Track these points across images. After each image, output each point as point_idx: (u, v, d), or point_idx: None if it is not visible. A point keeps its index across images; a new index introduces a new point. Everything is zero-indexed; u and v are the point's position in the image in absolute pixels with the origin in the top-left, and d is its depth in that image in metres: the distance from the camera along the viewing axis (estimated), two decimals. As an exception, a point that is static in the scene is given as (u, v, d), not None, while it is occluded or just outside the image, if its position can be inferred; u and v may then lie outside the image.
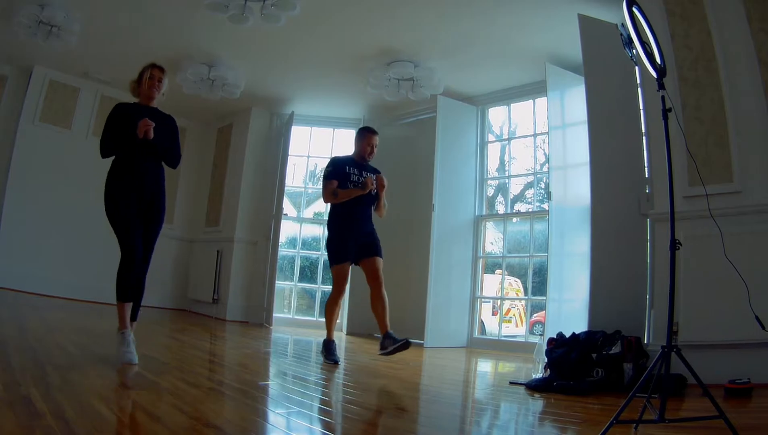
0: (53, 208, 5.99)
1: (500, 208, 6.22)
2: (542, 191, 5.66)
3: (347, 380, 3.05)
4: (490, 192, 6.08)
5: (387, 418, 2.19)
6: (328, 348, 3.62)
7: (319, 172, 7.36)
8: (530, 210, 6.39)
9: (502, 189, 6.15)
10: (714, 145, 3.09)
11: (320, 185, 3.88)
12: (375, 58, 5.10)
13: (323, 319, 6.42)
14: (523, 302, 6.16)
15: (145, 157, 2.85)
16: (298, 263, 6.73)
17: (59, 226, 6.01)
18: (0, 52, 5.67)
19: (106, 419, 1.68)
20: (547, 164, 5.19)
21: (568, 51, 4.44)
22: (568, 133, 4.49)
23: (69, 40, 4.72)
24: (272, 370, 3.37)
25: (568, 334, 3.31)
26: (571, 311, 4.09)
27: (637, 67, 3.56)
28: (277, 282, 6.25)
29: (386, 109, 6.24)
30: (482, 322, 5.88)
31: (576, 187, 4.21)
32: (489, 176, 5.88)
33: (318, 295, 6.65)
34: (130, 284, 2.76)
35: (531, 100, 5.51)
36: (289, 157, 6.60)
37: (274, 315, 6.08)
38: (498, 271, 5.99)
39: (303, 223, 6.93)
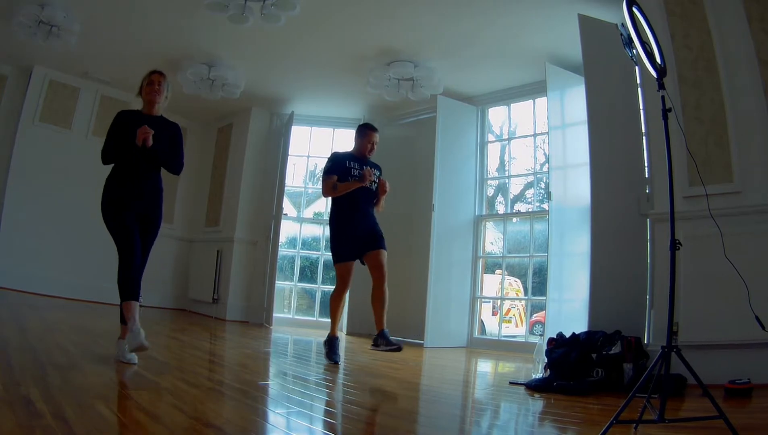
0: (53, 208, 5.99)
1: (500, 208, 6.22)
2: (542, 191, 5.66)
3: (347, 380, 3.05)
4: (490, 192, 6.08)
5: (387, 418, 2.19)
6: (331, 345, 3.60)
7: (319, 172, 7.37)
8: (530, 210, 6.39)
9: (502, 189, 6.15)
10: (714, 145, 3.09)
11: (320, 185, 3.87)
12: (375, 58, 5.10)
13: (323, 319, 6.51)
14: (523, 302, 6.16)
15: (144, 164, 2.85)
16: (298, 263, 6.74)
17: (59, 226, 6.01)
18: (0, 52, 5.67)
19: (106, 419, 1.68)
20: (547, 164, 5.19)
21: (568, 51, 4.44)
22: (568, 133, 4.49)
23: (69, 40, 4.72)
24: (272, 370, 3.36)
25: (568, 334, 3.31)
26: (571, 311, 4.10)
27: (637, 67, 3.56)
28: (277, 282, 6.25)
29: (386, 109, 6.24)
30: (482, 322, 5.89)
31: (576, 187, 4.21)
32: (489, 176, 5.88)
33: (318, 295, 6.65)
34: (135, 283, 2.75)
35: (531, 100, 5.51)
36: (289, 157, 6.60)
37: (274, 315, 6.08)
38: (498, 271, 5.99)
39: (303, 223, 6.93)
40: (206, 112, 7.05)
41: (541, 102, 5.24)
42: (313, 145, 7.00)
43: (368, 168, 3.70)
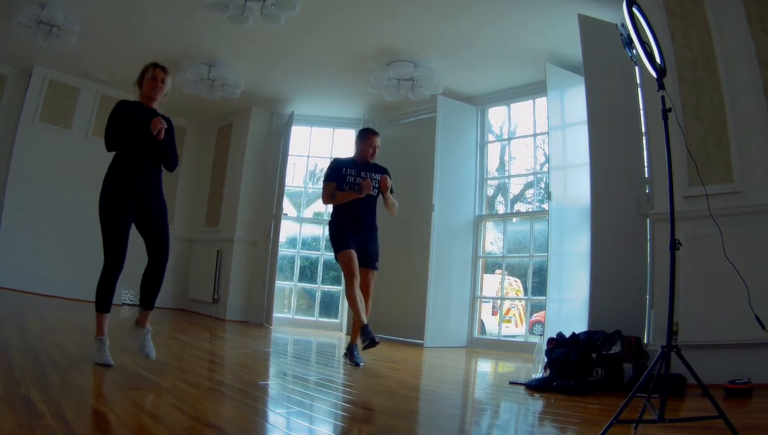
0: (53, 208, 5.99)
1: (500, 208, 6.22)
2: (542, 191, 5.66)
3: (347, 380, 3.05)
4: (490, 192, 6.08)
5: (387, 418, 2.19)
6: (364, 332, 3.44)
7: (319, 173, 7.37)
8: (530, 210, 6.39)
9: (502, 189, 6.15)
10: (714, 145, 3.09)
11: (320, 185, 3.89)
12: (375, 58, 5.10)
13: (323, 319, 6.52)
14: (523, 302, 6.16)
15: (147, 157, 2.83)
16: (298, 263, 6.73)
17: (59, 226, 6.01)
18: (0, 52, 5.67)
19: (106, 419, 1.68)
20: (547, 164, 5.19)
21: (568, 51, 4.44)
22: (568, 133, 4.49)
23: (69, 40, 4.72)
24: (272, 370, 3.37)
25: (568, 334, 3.31)
26: (571, 311, 4.09)
27: (637, 67, 3.56)
28: (277, 282, 6.25)
29: (386, 109, 6.24)
30: (482, 322, 5.89)
31: (576, 187, 4.21)
32: (489, 176, 5.88)
33: (318, 295, 6.65)
34: (108, 296, 2.76)
35: (531, 100, 5.51)
36: (289, 157, 6.60)
37: (274, 315, 6.08)
38: (498, 271, 5.99)
39: (303, 223, 6.93)
40: (206, 112, 7.05)
41: (541, 102, 5.24)
42: (313, 145, 7.00)
43: (367, 180, 3.68)
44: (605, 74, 3.85)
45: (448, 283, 5.32)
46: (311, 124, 6.92)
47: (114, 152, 2.84)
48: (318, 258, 6.73)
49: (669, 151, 2.09)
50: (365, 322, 3.50)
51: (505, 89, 5.54)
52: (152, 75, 2.90)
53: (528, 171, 6.20)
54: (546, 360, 3.23)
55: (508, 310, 7.01)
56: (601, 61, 3.83)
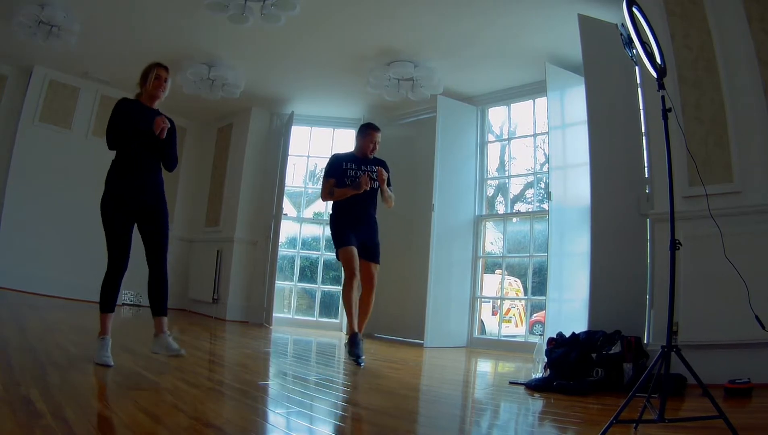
0: (53, 208, 5.99)
1: (500, 208, 6.22)
2: (542, 191, 5.66)
3: (347, 380, 3.05)
4: (490, 192, 6.08)
5: (387, 418, 2.19)
6: (353, 342, 3.46)
7: (319, 173, 7.37)
8: (530, 210, 6.39)
9: (502, 189, 6.15)
10: (714, 145, 3.09)
11: (320, 185, 3.88)
12: (375, 58, 5.10)
13: (323, 319, 6.51)
14: (523, 302, 6.16)
15: (147, 156, 2.83)
16: (298, 263, 6.73)
17: (59, 226, 6.01)
18: (0, 52, 5.67)
19: (106, 419, 1.68)
20: (547, 164, 5.19)
21: (568, 51, 4.44)
22: (568, 133, 4.49)
23: (69, 40, 4.72)
24: (272, 370, 3.37)
25: (568, 334, 3.31)
26: (571, 311, 4.09)
27: (637, 67, 3.56)
28: (277, 282, 6.25)
29: (386, 109, 6.24)
30: (482, 322, 5.89)
31: (576, 187, 4.21)
32: (489, 176, 5.88)
33: (318, 295, 6.64)
34: (113, 296, 2.75)
35: (531, 100, 5.51)
36: (289, 157, 6.60)
37: (274, 315, 6.08)
38: (498, 271, 5.99)
39: (303, 223, 6.93)
40: (206, 112, 7.05)
41: (541, 102, 5.24)
42: (313, 145, 7.00)
43: (365, 176, 3.67)
44: (605, 74, 3.85)
45: (448, 283, 5.32)
46: (311, 124, 6.92)
47: (115, 151, 2.84)
48: (318, 258, 6.73)
49: (669, 151, 2.09)
50: (356, 330, 3.52)
51: (505, 89, 5.54)
52: (156, 74, 2.90)
53: (528, 171, 6.20)
54: (546, 360, 3.23)
55: (508, 310, 7.01)
56: (601, 61, 3.83)
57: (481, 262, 5.60)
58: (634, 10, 2.21)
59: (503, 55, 4.90)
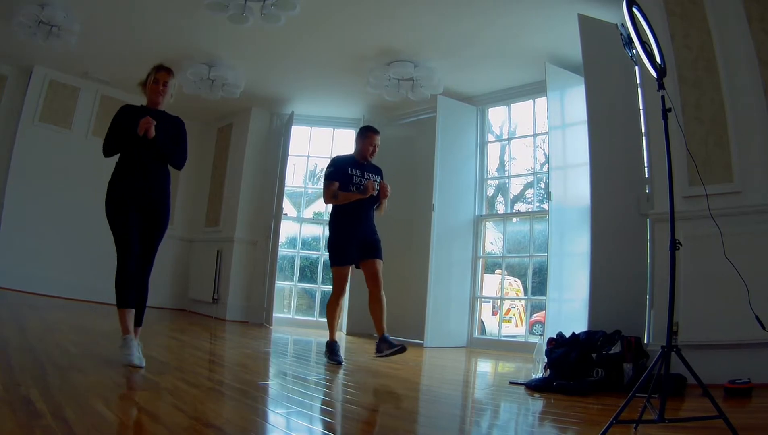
0: (53, 208, 5.99)
1: (500, 208, 6.22)
2: (542, 191, 5.66)
3: (347, 380, 3.05)
4: (490, 192, 6.08)
5: (387, 418, 2.19)
6: (332, 349, 3.61)
7: (319, 172, 7.36)
8: (530, 210, 6.39)
9: (502, 189, 6.15)
10: (714, 145, 3.09)
11: (320, 185, 3.87)
12: (375, 58, 5.10)
13: (323, 319, 6.49)
14: (523, 302, 6.16)
15: (149, 158, 2.82)
16: (298, 263, 6.74)
17: (59, 226, 6.01)
18: (0, 52, 5.67)
19: (106, 419, 1.68)
20: (547, 164, 5.19)
21: (568, 51, 4.44)
22: (568, 133, 4.49)
23: (69, 40, 4.72)
24: (272, 370, 3.37)
25: (568, 334, 3.31)
26: (571, 311, 4.09)
27: (637, 67, 3.56)
28: (277, 282, 6.25)
29: (386, 109, 6.24)
30: (482, 322, 5.89)
31: (576, 187, 4.21)
32: (489, 176, 5.88)
33: (318, 295, 6.65)
34: (128, 290, 2.72)
35: (531, 100, 5.51)
36: (289, 157, 6.60)
37: (274, 315, 6.08)
38: (498, 271, 5.99)
39: (303, 223, 6.93)
40: (206, 112, 7.05)
41: (541, 102, 5.24)
42: (313, 145, 7.00)
43: (371, 180, 3.67)
44: (605, 74, 3.85)
45: (448, 283, 5.32)
46: (311, 124, 6.91)
47: (110, 158, 2.83)
48: (318, 258, 6.73)
49: (669, 151, 2.09)
50: (335, 339, 3.66)
51: (505, 89, 5.54)
52: (154, 78, 2.88)
53: (528, 171, 6.20)
54: (546, 360, 3.23)
55: (508, 310, 7.01)
56: (601, 61, 3.83)
57: (481, 262, 5.60)
58: (634, 10, 2.21)
59: (503, 55, 4.90)
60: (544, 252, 4.64)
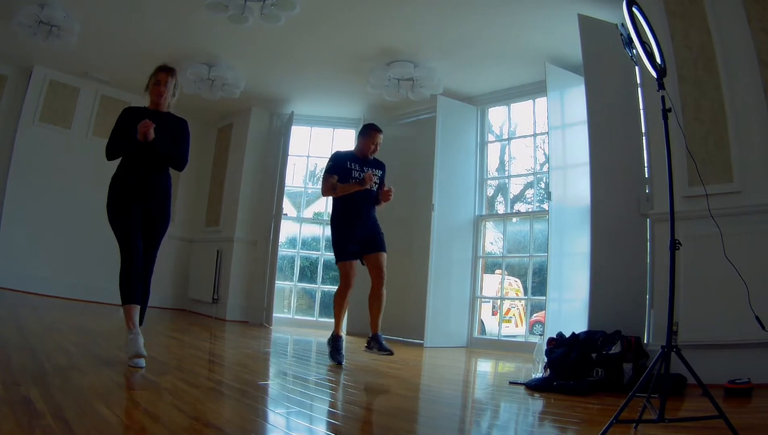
0: (53, 208, 5.99)
1: (500, 208, 6.22)
2: (542, 191, 5.66)
3: (347, 380, 3.05)
4: (490, 192, 6.08)
5: (387, 418, 2.19)
6: (335, 345, 3.57)
7: (319, 172, 7.37)
8: (530, 210, 6.39)
9: (502, 189, 6.15)
10: (714, 145, 3.09)
11: (320, 185, 3.87)
12: (375, 58, 5.10)
13: (323, 319, 6.51)
14: (523, 302, 6.16)
15: (149, 160, 2.82)
16: (298, 263, 6.73)
17: (59, 226, 6.01)
18: (0, 52, 5.67)
19: (106, 419, 1.68)
20: (547, 164, 5.19)
21: (568, 51, 4.44)
22: (568, 133, 4.49)
23: (69, 40, 4.72)
24: (272, 370, 3.37)
25: (568, 334, 3.31)
26: (571, 311, 4.09)
27: (637, 67, 3.56)
28: (277, 282, 6.25)
29: (386, 109, 6.24)
30: (482, 322, 5.89)
31: (576, 187, 4.21)
32: (489, 176, 5.88)
33: (318, 295, 6.65)
34: (134, 287, 2.72)
35: (531, 100, 5.51)
36: (289, 157, 6.60)
37: (274, 315, 6.08)
38: (498, 271, 5.99)
39: (303, 223, 6.93)
40: (206, 112, 7.05)
41: (541, 102, 5.24)
42: (313, 145, 7.00)
43: (370, 172, 3.65)
44: (605, 74, 3.85)
45: (448, 283, 5.32)
46: (311, 124, 6.92)
47: (113, 161, 2.84)
48: (318, 258, 6.73)
49: (669, 151, 2.09)
50: (341, 334, 3.64)
51: (505, 89, 5.54)
52: (156, 79, 2.88)
53: (528, 171, 6.20)
54: (546, 360, 3.23)
55: (508, 310, 7.01)
56: (601, 61, 3.83)
57: (481, 262, 5.60)
58: (634, 10, 2.21)
59: (503, 55, 4.90)
60: (544, 252, 4.64)
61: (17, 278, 5.71)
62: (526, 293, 5.66)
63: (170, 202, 2.95)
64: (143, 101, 2.98)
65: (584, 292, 3.68)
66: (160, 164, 2.87)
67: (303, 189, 7.22)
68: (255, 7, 4.08)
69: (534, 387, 2.91)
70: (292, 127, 6.55)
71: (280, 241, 6.39)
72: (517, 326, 7.02)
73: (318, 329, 6.22)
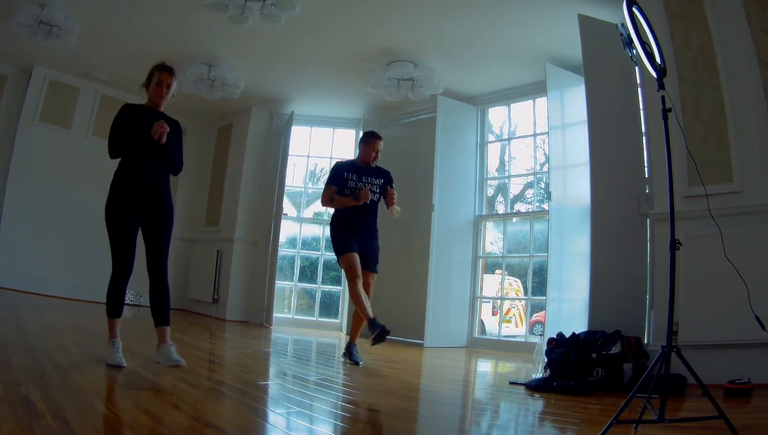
0: (53, 208, 5.99)
1: (500, 208, 6.22)
2: (542, 191, 5.66)
3: (347, 380, 3.05)
4: (490, 192, 6.08)
5: (387, 418, 2.19)
6: (373, 324, 3.44)
7: (320, 173, 7.37)
8: (530, 210, 6.39)
9: (502, 189, 6.15)
10: (714, 145, 3.09)
11: (320, 185, 3.90)
12: (375, 58, 5.10)
13: (323, 319, 6.52)
14: (523, 302, 6.16)
15: (151, 160, 2.81)
16: (298, 263, 6.73)
17: (59, 226, 6.01)
18: (0, 52, 5.67)
19: (106, 419, 1.68)
20: (547, 164, 5.19)
21: (568, 51, 4.44)
22: (568, 133, 4.49)
23: (69, 40, 4.72)
24: (272, 370, 3.37)
25: (568, 334, 3.31)
26: (571, 311, 4.09)
27: (637, 67, 3.56)
28: (277, 282, 6.25)
29: (386, 109, 6.24)
30: (482, 322, 5.88)
31: (576, 187, 4.21)
32: (489, 176, 5.88)
33: (318, 295, 6.65)
34: (119, 302, 2.74)
35: (531, 100, 5.51)
36: (289, 157, 6.60)
37: (274, 315, 6.08)
38: (498, 271, 5.99)
39: (303, 223, 6.93)
40: (206, 112, 7.05)
41: (541, 102, 5.24)
42: (313, 145, 7.00)
43: (366, 189, 3.70)
44: (605, 74, 3.85)
45: (448, 283, 5.32)
46: (311, 124, 6.92)
47: (116, 159, 2.82)
48: (318, 258, 6.73)
49: (669, 151, 2.09)
50: (371, 315, 3.49)
51: (505, 89, 5.54)
52: (158, 80, 2.86)
53: (528, 171, 6.20)
54: (546, 360, 3.23)
55: (508, 310, 7.01)
56: (601, 61, 3.83)
57: (481, 262, 5.60)
58: (634, 10, 2.21)
59: (503, 55, 4.90)
60: (544, 252, 4.64)
61: (17, 278, 5.71)
62: (526, 293, 5.66)
63: (171, 198, 2.93)
64: (140, 98, 2.97)
65: (584, 292, 3.68)
66: (163, 164, 2.87)
67: (303, 189, 7.21)
68: (255, 7, 4.08)
69: (534, 387, 2.91)
70: (292, 127, 6.55)
71: (280, 241, 6.39)
72: (517, 326, 7.01)
73: (318, 329, 6.22)
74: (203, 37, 4.98)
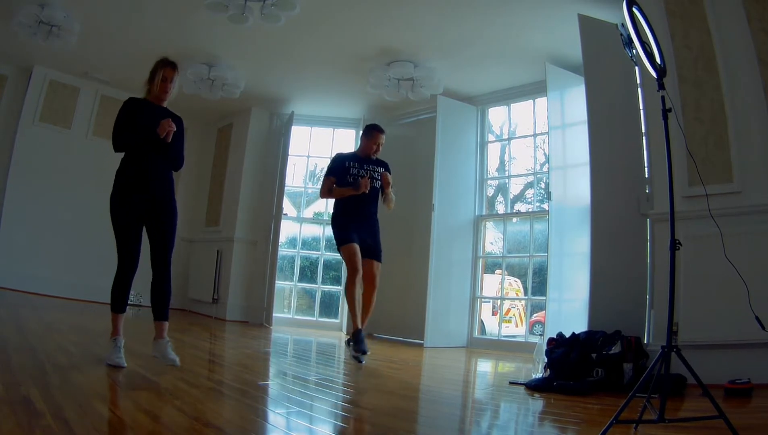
0: (53, 208, 5.99)
1: (500, 208, 6.22)
2: (542, 191, 5.66)
3: (347, 380, 3.05)
4: (490, 192, 6.08)
5: (387, 418, 2.19)
6: (357, 338, 3.42)
7: (320, 172, 7.36)
8: (530, 210, 6.39)
9: (502, 189, 6.15)
10: (714, 145, 3.09)
11: (320, 185, 3.90)
12: (375, 58, 5.10)
13: (323, 319, 6.52)
14: (523, 302, 6.16)
15: (155, 156, 2.81)
16: (298, 263, 6.73)
17: (59, 226, 6.01)
18: (0, 52, 5.67)
19: (106, 419, 1.68)
20: (547, 164, 5.19)
21: (568, 51, 4.44)
22: (568, 133, 4.49)
23: (69, 40, 4.72)
24: (272, 370, 3.37)
25: (568, 334, 3.31)
26: (571, 311, 4.09)
27: (637, 67, 3.56)
28: (277, 282, 6.25)
29: (386, 109, 6.24)
30: (482, 322, 5.88)
31: (576, 187, 4.21)
32: (489, 176, 5.88)
33: (318, 295, 6.64)
34: (124, 297, 2.74)
35: (531, 100, 5.51)
36: (289, 157, 6.60)
37: (274, 315, 6.08)
38: (498, 271, 5.99)
39: (303, 223, 6.93)
40: (206, 112, 7.05)
41: (541, 102, 5.24)
42: (313, 145, 7.00)
43: (365, 178, 3.67)
44: (605, 74, 3.85)
45: (448, 283, 5.32)
46: (311, 124, 6.92)
47: (115, 154, 2.82)
48: (318, 258, 6.73)
49: (669, 151, 2.09)
50: (360, 326, 3.50)
51: (505, 89, 5.54)
52: (162, 76, 2.87)
53: (528, 171, 6.20)
54: (546, 360, 3.23)
55: (508, 310, 7.01)
56: (601, 61, 3.83)
57: (481, 262, 5.60)
58: (634, 10, 2.21)
59: (503, 55, 4.90)
60: (544, 252, 4.64)
61: (17, 278, 5.71)
62: (526, 293, 5.66)
63: (174, 193, 2.92)
64: (141, 93, 2.97)
65: (584, 292, 3.68)
66: (165, 159, 2.87)
67: (303, 189, 7.22)
68: (255, 7, 4.08)
69: (534, 387, 2.91)
70: (292, 127, 6.55)
71: (280, 241, 6.39)
72: (517, 326, 7.01)
73: (318, 329, 6.22)
74: (203, 37, 4.98)
